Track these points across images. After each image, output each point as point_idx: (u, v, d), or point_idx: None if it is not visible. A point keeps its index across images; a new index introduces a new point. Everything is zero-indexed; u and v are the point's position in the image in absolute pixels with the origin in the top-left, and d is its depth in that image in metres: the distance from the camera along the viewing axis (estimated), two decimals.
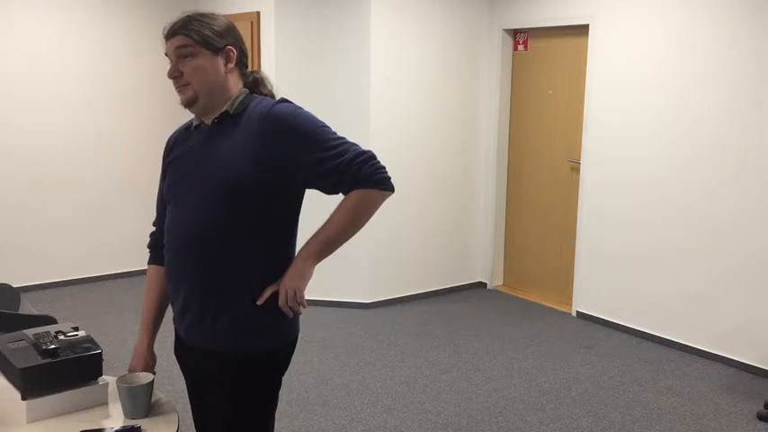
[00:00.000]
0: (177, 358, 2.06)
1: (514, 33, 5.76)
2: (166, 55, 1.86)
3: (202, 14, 1.86)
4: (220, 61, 1.84)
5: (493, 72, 5.78)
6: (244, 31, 5.42)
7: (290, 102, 1.87)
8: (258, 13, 5.35)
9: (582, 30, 5.20)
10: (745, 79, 4.22)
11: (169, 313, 2.02)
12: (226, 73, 1.86)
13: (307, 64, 5.24)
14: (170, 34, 1.84)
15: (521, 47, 5.73)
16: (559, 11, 5.22)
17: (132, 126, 6.10)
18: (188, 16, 1.84)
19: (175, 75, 1.84)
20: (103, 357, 1.99)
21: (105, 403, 1.97)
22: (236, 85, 1.89)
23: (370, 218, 1.86)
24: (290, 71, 5.25)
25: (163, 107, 6.17)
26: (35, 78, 5.58)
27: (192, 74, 1.82)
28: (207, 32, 1.82)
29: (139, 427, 1.84)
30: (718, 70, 4.34)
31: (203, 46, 1.82)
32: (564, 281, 5.57)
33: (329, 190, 1.85)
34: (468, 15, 5.64)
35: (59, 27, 5.64)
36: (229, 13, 5.69)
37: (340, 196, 1.86)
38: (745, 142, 4.26)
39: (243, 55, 1.91)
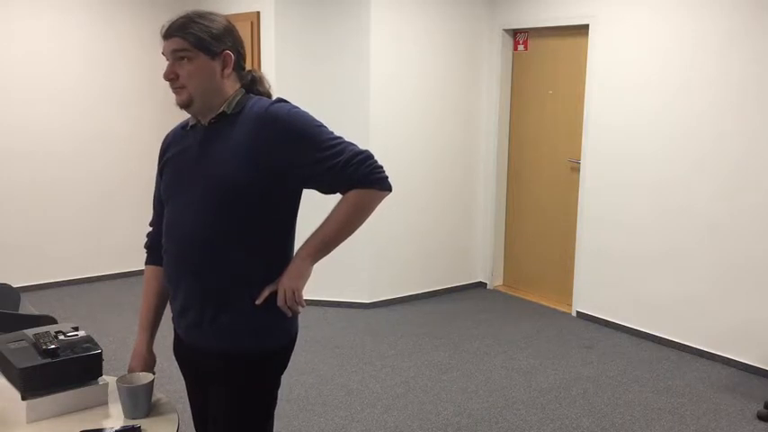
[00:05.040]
0: (176, 357, 2.06)
1: (514, 33, 5.76)
2: (163, 54, 1.84)
3: (201, 15, 1.82)
4: (217, 66, 1.82)
5: (493, 72, 5.78)
6: (244, 31, 5.42)
7: (287, 101, 1.86)
8: (258, 13, 5.36)
9: (582, 30, 5.20)
10: (746, 79, 4.22)
11: (168, 313, 2.02)
12: (222, 77, 1.84)
13: (307, 64, 5.24)
14: (167, 35, 1.81)
15: (521, 47, 5.73)
16: (559, 11, 5.22)
17: (132, 126, 6.10)
18: (186, 17, 1.81)
19: (171, 77, 1.82)
20: (103, 357, 1.99)
21: (105, 403, 1.97)
22: (232, 86, 1.87)
23: (367, 217, 1.86)
24: (290, 71, 5.24)
25: (163, 107, 6.17)
26: (35, 78, 5.58)
27: (188, 77, 1.80)
28: (204, 36, 1.79)
29: (139, 427, 1.84)
30: (718, 70, 4.34)
31: (200, 50, 1.79)
32: (564, 281, 5.57)
33: (326, 190, 1.85)
34: (468, 15, 5.64)
35: (59, 27, 5.64)
36: (229, 13, 5.69)
37: (338, 196, 1.86)
38: (746, 142, 4.26)
39: (241, 58, 1.88)
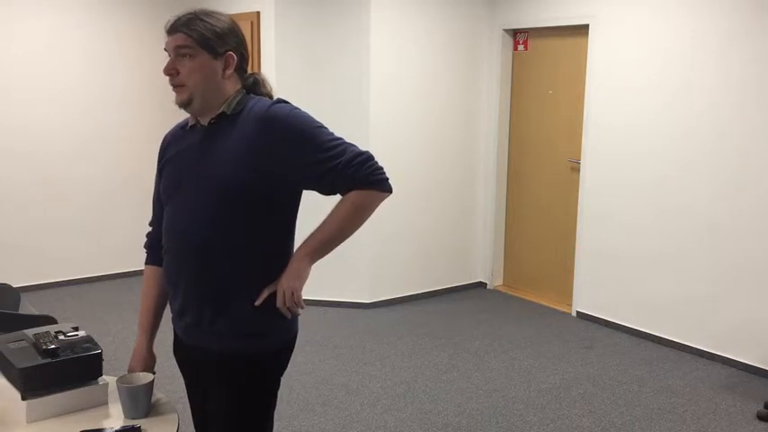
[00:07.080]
0: (176, 358, 2.06)
1: (514, 33, 5.76)
2: (165, 50, 1.84)
3: (207, 14, 1.82)
4: (219, 65, 1.82)
5: (493, 72, 5.78)
6: (244, 31, 5.41)
7: (288, 102, 1.86)
8: (258, 13, 5.36)
9: (582, 30, 5.20)
10: (746, 79, 4.22)
11: (168, 313, 2.02)
12: (223, 77, 1.84)
13: (307, 64, 5.24)
14: (172, 30, 1.81)
15: (521, 47, 5.73)
16: (559, 11, 5.22)
17: (133, 126, 6.10)
18: (193, 14, 1.81)
19: (171, 72, 1.81)
20: (103, 357, 1.99)
21: (105, 403, 1.97)
22: (233, 87, 1.87)
23: (367, 218, 1.85)
24: (290, 71, 5.24)
25: (163, 107, 6.17)
26: (35, 78, 5.58)
27: (189, 75, 1.80)
28: (209, 35, 1.79)
29: (139, 427, 1.84)
30: (718, 70, 4.34)
31: (203, 48, 1.79)
32: (564, 281, 5.57)
33: (326, 191, 1.84)
34: (468, 15, 5.64)
35: (59, 27, 5.64)
36: (229, 13, 5.69)
37: (337, 197, 1.86)
38: (746, 142, 4.26)
39: (243, 60, 1.88)
